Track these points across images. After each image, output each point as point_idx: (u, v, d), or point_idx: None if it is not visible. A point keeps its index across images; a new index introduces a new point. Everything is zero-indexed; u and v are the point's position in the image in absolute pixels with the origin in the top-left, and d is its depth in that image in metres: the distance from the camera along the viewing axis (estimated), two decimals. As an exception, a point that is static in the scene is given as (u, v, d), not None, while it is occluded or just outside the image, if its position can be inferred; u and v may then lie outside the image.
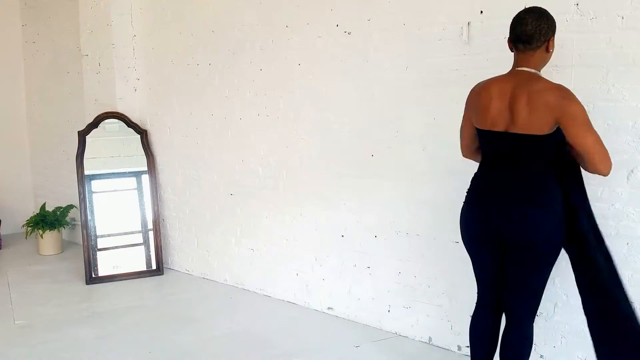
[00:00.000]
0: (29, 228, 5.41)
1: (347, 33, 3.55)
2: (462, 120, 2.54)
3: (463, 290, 3.15)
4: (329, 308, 3.88)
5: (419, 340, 3.44)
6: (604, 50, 2.63)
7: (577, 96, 2.22)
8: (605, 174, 2.24)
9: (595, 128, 2.58)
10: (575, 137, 2.18)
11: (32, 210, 5.96)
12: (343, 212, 3.70)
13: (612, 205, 2.68)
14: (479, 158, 2.55)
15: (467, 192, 2.51)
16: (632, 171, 2.62)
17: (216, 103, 4.41)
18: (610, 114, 2.60)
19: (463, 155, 2.64)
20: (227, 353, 3.36)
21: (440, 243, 3.26)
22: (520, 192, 2.31)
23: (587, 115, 2.20)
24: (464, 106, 2.52)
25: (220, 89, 4.36)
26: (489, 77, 2.42)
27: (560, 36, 2.68)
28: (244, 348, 3.42)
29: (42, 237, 5.36)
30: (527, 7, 2.32)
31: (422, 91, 3.25)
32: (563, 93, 2.20)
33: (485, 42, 2.96)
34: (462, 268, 2.98)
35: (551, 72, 2.67)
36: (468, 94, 2.48)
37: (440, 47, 3.15)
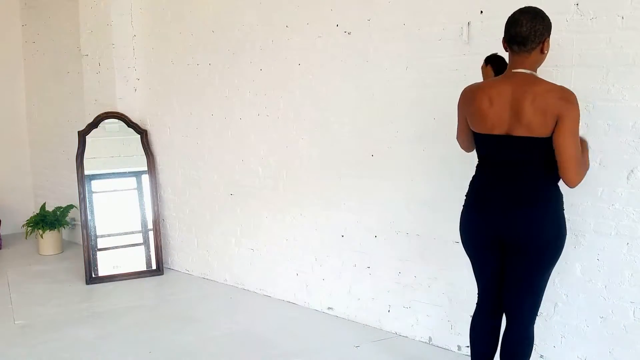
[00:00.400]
0: (29, 228, 5.41)
1: (347, 33, 3.55)
2: (458, 123, 2.52)
3: (463, 290, 3.15)
4: (329, 308, 3.88)
5: (419, 340, 3.44)
6: (604, 50, 2.63)
7: (577, 96, 2.22)
8: (571, 187, 2.25)
9: (595, 128, 2.58)
10: (560, 140, 2.18)
11: (32, 210, 5.96)
12: (343, 212, 3.70)
13: (612, 205, 2.68)
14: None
15: (466, 195, 2.50)
16: (632, 171, 2.62)
17: (216, 103, 4.40)
18: (610, 114, 2.60)
19: (466, 152, 2.63)
20: (227, 353, 3.36)
21: (440, 243, 3.26)
22: (521, 194, 2.30)
23: (579, 124, 2.20)
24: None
25: (220, 89, 4.35)
26: (481, 80, 2.41)
27: (560, 36, 2.68)
28: (244, 348, 3.42)
29: (42, 237, 5.36)
30: (521, 7, 2.30)
31: (422, 91, 3.25)
32: (566, 95, 2.19)
33: (485, 42, 2.96)
34: (462, 268, 2.98)
35: (551, 72, 2.67)
36: (459, 96, 2.46)
37: (440, 47, 3.15)
